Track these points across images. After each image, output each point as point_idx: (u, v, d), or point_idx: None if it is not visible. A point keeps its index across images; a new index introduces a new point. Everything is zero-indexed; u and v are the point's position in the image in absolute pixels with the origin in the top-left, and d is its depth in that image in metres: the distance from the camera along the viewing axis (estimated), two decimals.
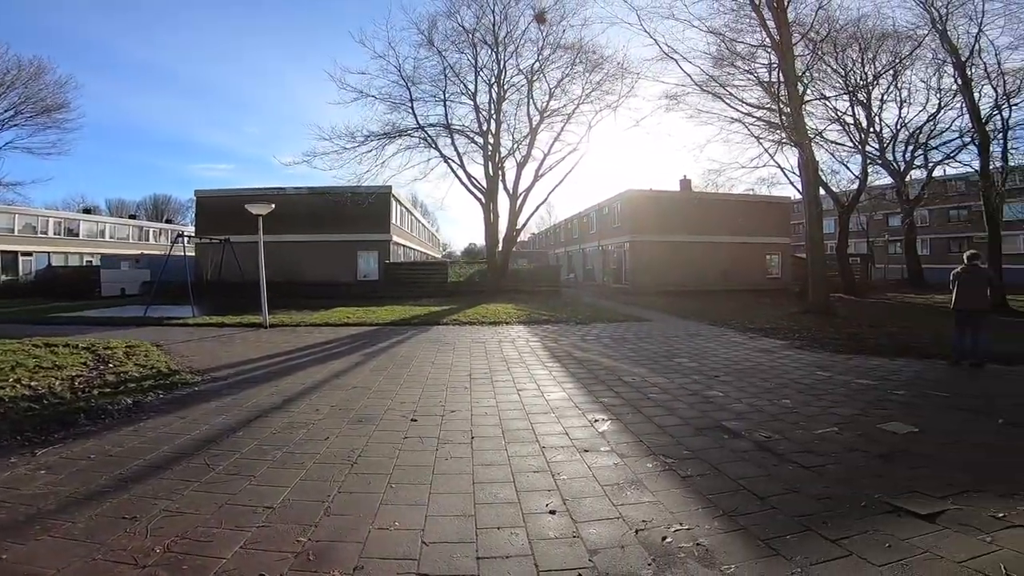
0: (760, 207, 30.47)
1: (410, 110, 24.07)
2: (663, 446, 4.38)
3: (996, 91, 19.87)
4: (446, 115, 24.75)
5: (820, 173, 24.10)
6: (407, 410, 5.55)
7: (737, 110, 18.92)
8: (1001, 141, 19.68)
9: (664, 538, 2.88)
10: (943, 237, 41.29)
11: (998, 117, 19.81)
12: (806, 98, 20.03)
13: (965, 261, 8.20)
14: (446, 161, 24.67)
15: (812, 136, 19.99)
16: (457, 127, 25.11)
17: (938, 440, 4.50)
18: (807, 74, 21.05)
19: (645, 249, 28.47)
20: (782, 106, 17.01)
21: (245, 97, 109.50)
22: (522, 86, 25.20)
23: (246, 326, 13.06)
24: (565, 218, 47.25)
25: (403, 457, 4.17)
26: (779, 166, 23.32)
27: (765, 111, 18.55)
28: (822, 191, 25.67)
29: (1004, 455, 4.16)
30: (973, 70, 20.07)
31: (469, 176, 25.10)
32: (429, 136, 24.33)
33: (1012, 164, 20.24)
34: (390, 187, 26.57)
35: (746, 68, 18.99)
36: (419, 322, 13.91)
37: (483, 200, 24.96)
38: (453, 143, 24.75)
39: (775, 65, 17.47)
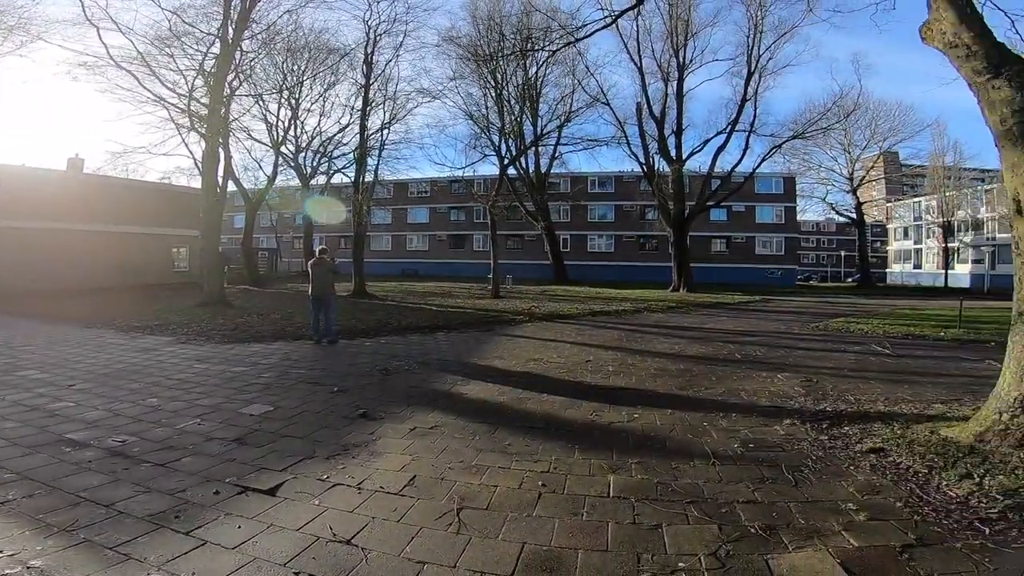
0: (170, 197, 28.16)
1: None
2: None
3: (384, 114, 24.21)
4: None
5: (233, 168, 24.62)
6: None
7: (151, 91, 17.40)
8: (377, 158, 24.20)
9: None
10: (334, 235, 49.97)
11: (376, 137, 24.00)
12: (239, 93, 20.26)
13: (317, 254, 10.09)
14: None
15: (232, 131, 20.45)
16: None
17: (287, 415, 5.14)
18: (248, 69, 21.18)
19: (11, 238, 21.40)
20: (197, 95, 16.78)
21: None
22: None
23: None
24: None
25: None
26: (193, 157, 22.10)
27: (193, 100, 17.76)
28: (233, 186, 26.30)
29: (331, 419, 5.04)
30: (375, 93, 23.58)
31: None
32: None
33: (381, 179, 25.49)
34: None
35: (191, 52, 17.73)
36: None
37: None
38: None
39: (215, 56, 16.86)
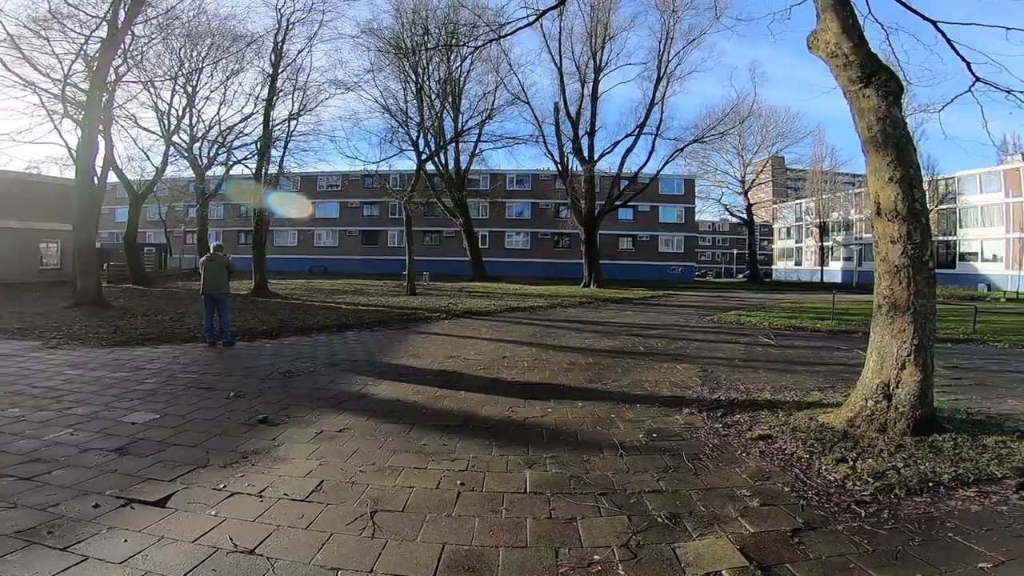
0: (37, 187, 24.85)
1: None
2: None
3: (293, 104, 23.19)
4: None
5: (116, 157, 22.24)
6: None
7: (19, 76, 15.57)
8: (282, 149, 22.91)
9: None
10: (233, 230, 46.67)
11: (282, 128, 22.81)
12: (126, 80, 18.73)
13: (211, 250, 9.36)
14: None
15: (115, 118, 19.06)
16: None
17: (176, 423, 4.76)
18: (138, 55, 19.50)
19: None
20: (75, 79, 15.42)
21: None
22: None
23: None
24: None
25: None
26: (67, 145, 19.70)
27: (69, 85, 15.94)
28: (115, 177, 23.62)
29: (227, 426, 4.72)
30: (283, 83, 22.48)
31: None
32: None
33: (286, 171, 24.31)
34: None
35: (73, 36, 15.93)
36: None
37: None
38: None
39: (101, 39, 15.14)
